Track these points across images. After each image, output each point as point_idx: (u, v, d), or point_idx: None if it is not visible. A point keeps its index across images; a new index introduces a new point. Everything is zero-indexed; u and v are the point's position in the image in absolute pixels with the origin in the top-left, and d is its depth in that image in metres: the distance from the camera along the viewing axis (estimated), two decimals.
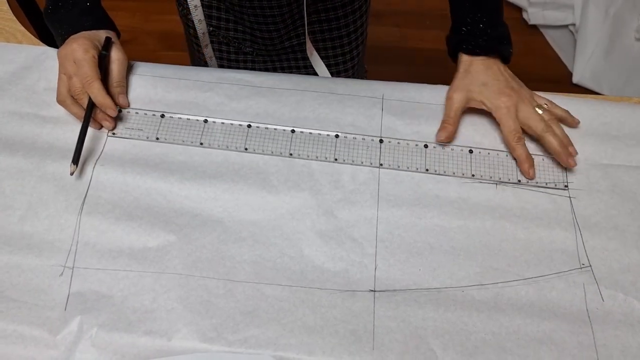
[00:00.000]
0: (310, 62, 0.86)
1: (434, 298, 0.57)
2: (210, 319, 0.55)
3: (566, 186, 0.65)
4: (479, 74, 0.68)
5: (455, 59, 0.72)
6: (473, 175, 0.65)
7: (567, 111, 0.69)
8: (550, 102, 0.69)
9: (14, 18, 0.79)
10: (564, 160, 0.64)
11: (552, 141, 0.65)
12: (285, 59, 0.88)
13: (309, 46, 0.82)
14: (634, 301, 0.58)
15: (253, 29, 0.82)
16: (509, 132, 0.66)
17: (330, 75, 0.86)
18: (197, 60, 0.91)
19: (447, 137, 0.67)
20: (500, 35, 0.69)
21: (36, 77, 0.71)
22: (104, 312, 0.55)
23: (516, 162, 0.66)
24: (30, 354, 0.53)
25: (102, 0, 0.72)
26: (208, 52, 0.87)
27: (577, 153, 0.66)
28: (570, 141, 0.66)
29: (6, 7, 0.80)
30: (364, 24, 0.89)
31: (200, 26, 0.82)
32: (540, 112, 0.67)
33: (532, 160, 0.65)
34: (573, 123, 0.69)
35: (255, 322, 0.55)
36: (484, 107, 0.68)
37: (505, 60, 0.70)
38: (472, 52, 0.69)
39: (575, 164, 0.65)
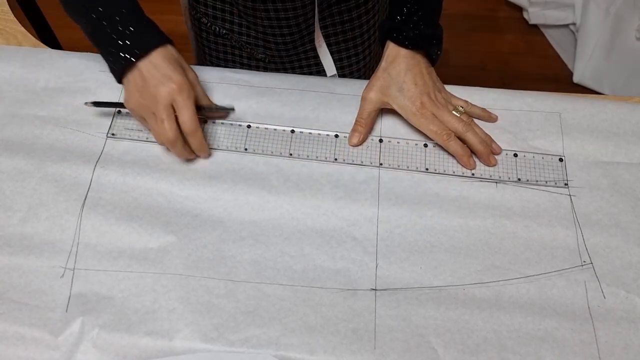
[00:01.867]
0: (322, 68, 0.86)
1: (435, 296, 0.57)
2: (212, 319, 0.55)
3: (566, 184, 0.65)
4: (399, 75, 0.67)
5: (383, 46, 0.71)
6: (473, 174, 0.65)
7: (484, 109, 0.69)
8: (467, 102, 0.69)
9: (14, 19, 0.79)
10: (485, 159, 0.66)
11: (473, 140, 0.65)
12: (297, 66, 0.88)
13: (318, 35, 0.81)
14: (636, 298, 0.57)
15: (266, 33, 0.81)
16: (435, 135, 0.66)
17: (335, 69, 0.85)
18: (203, 58, 0.91)
19: (359, 141, 0.67)
20: (431, 35, 0.68)
21: (36, 78, 0.71)
22: (105, 313, 0.55)
23: (455, 158, 0.66)
24: (32, 355, 0.53)
25: None
26: (188, 26, 0.86)
27: (500, 151, 0.67)
28: (491, 139, 0.67)
29: (6, 7, 0.80)
30: (376, 23, 0.88)
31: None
32: (457, 115, 0.67)
33: (469, 151, 0.66)
34: (490, 119, 0.69)
35: (257, 322, 0.55)
36: (399, 112, 0.67)
37: (432, 61, 0.70)
38: (400, 43, 0.68)
39: (496, 163, 0.66)
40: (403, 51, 0.67)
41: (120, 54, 0.62)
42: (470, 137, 0.65)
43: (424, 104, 0.66)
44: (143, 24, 0.63)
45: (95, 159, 0.65)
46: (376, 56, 0.93)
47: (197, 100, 0.64)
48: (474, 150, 0.66)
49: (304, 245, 0.60)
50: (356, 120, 0.68)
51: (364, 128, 0.67)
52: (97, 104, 0.67)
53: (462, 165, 0.66)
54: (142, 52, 0.61)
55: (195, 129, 0.62)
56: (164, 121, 0.61)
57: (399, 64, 0.67)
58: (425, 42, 0.68)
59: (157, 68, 0.61)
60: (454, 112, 0.67)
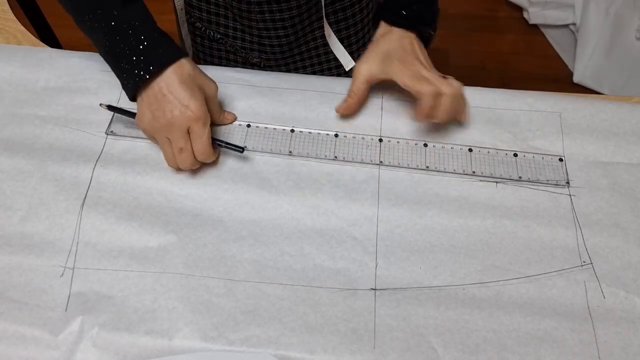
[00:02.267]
0: (317, 69, 0.86)
1: (435, 296, 0.57)
2: (211, 318, 0.55)
3: (567, 184, 0.65)
4: (389, 43, 0.67)
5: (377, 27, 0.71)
6: (474, 172, 0.65)
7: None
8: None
9: (14, 18, 0.79)
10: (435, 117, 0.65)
11: (446, 105, 0.63)
12: (293, 68, 0.88)
13: (327, 28, 0.80)
14: (635, 298, 0.57)
15: (261, 37, 0.81)
16: (424, 110, 0.64)
17: (350, 58, 0.84)
18: (197, 62, 0.90)
19: (345, 109, 0.67)
20: (425, 16, 0.68)
21: (36, 78, 0.71)
22: (105, 312, 0.55)
23: (419, 106, 0.64)
24: (32, 354, 0.53)
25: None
26: (184, 30, 0.84)
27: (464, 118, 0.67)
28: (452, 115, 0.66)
29: (6, 7, 0.80)
30: (374, 5, 0.88)
31: (179, 2, 0.80)
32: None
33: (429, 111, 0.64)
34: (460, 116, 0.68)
35: (256, 321, 0.55)
36: (390, 78, 0.66)
37: (424, 40, 0.69)
38: (392, 22, 0.68)
39: (437, 120, 0.65)
40: (395, 29, 0.68)
41: (135, 70, 0.60)
42: (448, 101, 0.63)
43: (412, 62, 0.65)
44: (155, 37, 0.61)
45: (95, 158, 0.65)
46: None
47: (211, 118, 0.63)
48: (438, 110, 0.64)
49: (303, 244, 0.60)
50: (348, 93, 0.68)
51: (353, 100, 0.67)
52: (111, 108, 0.66)
53: (417, 112, 0.64)
54: (156, 68, 0.59)
55: (209, 156, 0.62)
56: (182, 150, 0.60)
57: (390, 38, 0.68)
58: (418, 22, 0.68)
59: (172, 91, 0.59)
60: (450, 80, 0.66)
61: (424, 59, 0.68)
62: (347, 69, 0.85)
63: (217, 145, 0.64)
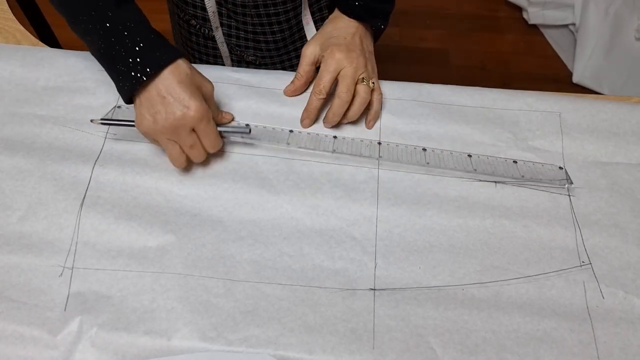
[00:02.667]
0: None
1: (434, 296, 0.57)
2: (210, 318, 0.55)
3: (566, 184, 0.65)
4: (334, 28, 0.69)
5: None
6: (475, 170, 0.65)
7: (379, 111, 0.69)
8: (379, 96, 0.69)
9: (13, 18, 0.79)
10: (325, 121, 0.68)
11: (335, 108, 0.66)
12: (288, 65, 0.88)
13: (306, 14, 0.81)
14: (634, 298, 0.57)
15: (256, 33, 0.81)
16: (316, 81, 0.67)
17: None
18: (192, 56, 0.90)
19: (292, 91, 0.69)
20: (376, 8, 0.69)
21: (35, 77, 0.71)
22: (104, 312, 0.55)
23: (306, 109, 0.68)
24: (30, 354, 0.53)
25: None
26: (219, 35, 0.83)
27: (370, 127, 0.68)
28: (371, 117, 0.68)
29: (5, 6, 0.80)
30: None
31: (210, 3, 0.78)
32: (364, 83, 0.66)
33: (314, 115, 0.67)
34: (367, 121, 0.69)
35: (255, 322, 0.55)
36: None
37: (373, 33, 0.71)
38: (344, 11, 0.70)
39: (332, 125, 0.68)
40: (344, 17, 0.69)
41: (132, 72, 0.59)
42: (336, 104, 0.66)
43: (343, 52, 0.66)
44: (151, 38, 0.60)
45: (94, 158, 0.65)
46: None
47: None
48: (327, 113, 0.67)
49: (303, 244, 0.60)
50: (295, 75, 0.70)
51: (300, 82, 0.69)
52: (105, 122, 0.64)
53: (303, 116, 0.68)
54: (153, 70, 0.58)
55: (218, 147, 0.63)
56: (192, 146, 0.61)
57: (336, 24, 0.69)
58: (367, 13, 0.69)
59: (171, 92, 0.58)
60: (362, 77, 0.66)
61: (362, 50, 0.68)
62: None
63: (224, 134, 0.65)
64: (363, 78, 0.66)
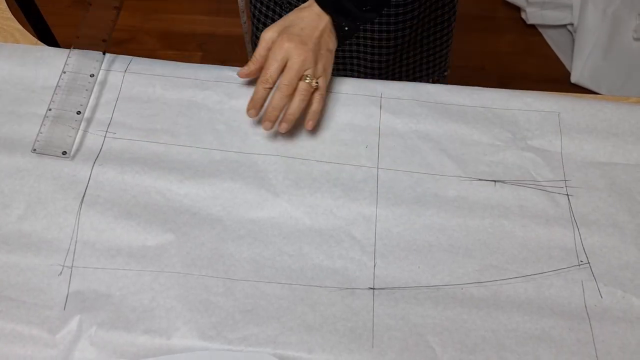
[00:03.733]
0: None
1: (433, 296, 0.57)
2: (210, 317, 0.55)
3: (564, 184, 0.65)
4: (298, 17, 0.66)
5: None
6: (473, 172, 0.65)
7: (316, 113, 0.66)
8: (320, 96, 0.66)
9: (12, 17, 0.79)
10: (264, 122, 0.65)
11: (274, 102, 0.64)
12: None
13: None
14: (633, 298, 0.58)
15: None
16: (263, 71, 0.64)
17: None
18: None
19: (246, 74, 0.67)
20: (350, 9, 0.66)
21: (34, 76, 0.71)
22: (103, 311, 0.55)
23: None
24: (30, 353, 0.53)
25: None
26: None
27: (286, 126, 0.65)
28: (291, 119, 0.65)
29: (4, 5, 0.80)
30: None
31: None
32: (307, 80, 0.64)
33: (260, 105, 0.65)
34: (305, 120, 0.66)
35: (255, 320, 0.55)
36: None
37: (337, 32, 0.67)
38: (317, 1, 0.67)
39: (270, 128, 0.65)
40: (315, 6, 0.66)
41: None
42: (276, 97, 0.64)
43: (293, 43, 0.64)
44: None
45: (93, 157, 0.65)
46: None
47: None
48: (267, 107, 0.65)
49: (302, 244, 0.60)
50: (250, 59, 0.67)
51: (254, 65, 0.66)
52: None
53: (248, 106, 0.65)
54: None
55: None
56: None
57: (303, 11, 0.66)
58: (338, 9, 0.66)
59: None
60: (306, 75, 0.65)
61: (317, 45, 0.65)
62: None
63: None
64: (307, 75, 0.64)
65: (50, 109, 0.65)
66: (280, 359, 0.53)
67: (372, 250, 0.60)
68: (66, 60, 0.70)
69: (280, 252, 0.60)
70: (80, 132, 0.67)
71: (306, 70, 0.64)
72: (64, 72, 0.67)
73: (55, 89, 0.66)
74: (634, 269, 0.60)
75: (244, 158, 0.66)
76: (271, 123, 0.65)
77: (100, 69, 0.71)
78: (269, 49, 0.65)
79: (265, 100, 0.65)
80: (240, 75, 0.68)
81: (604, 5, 1.85)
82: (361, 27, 0.69)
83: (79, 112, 0.66)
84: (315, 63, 0.65)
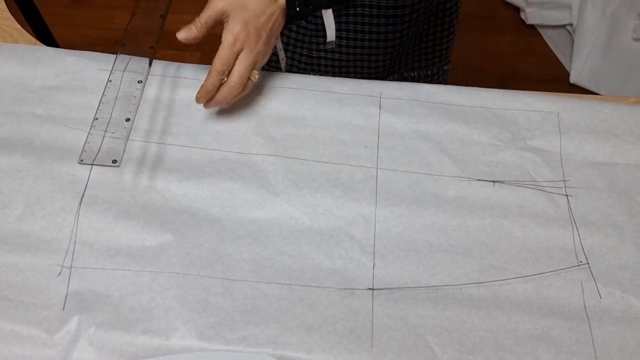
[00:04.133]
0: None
1: (432, 296, 0.57)
2: (209, 317, 0.55)
3: (564, 184, 0.65)
4: (252, 1, 0.64)
5: None
6: (473, 172, 0.65)
7: (220, 101, 0.65)
8: (257, 79, 0.66)
9: (11, 16, 0.79)
10: (197, 97, 0.64)
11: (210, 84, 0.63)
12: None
13: None
14: (632, 298, 0.58)
15: None
16: (217, 61, 0.63)
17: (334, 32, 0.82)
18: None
19: (185, 38, 0.64)
20: None
21: (33, 76, 0.71)
22: (102, 312, 0.55)
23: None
24: (28, 353, 0.53)
25: None
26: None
27: (206, 102, 0.65)
28: (221, 98, 0.64)
29: (3, 5, 0.80)
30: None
31: None
32: (256, 75, 0.65)
33: (211, 94, 0.64)
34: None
35: (254, 321, 0.55)
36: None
37: (288, 13, 0.67)
38: None
39: (202, 104, 0.65)
40: None
41: None
42: (224, 89, 0.64)
43: (246, 31, 0.63)
44: None
45: (92, 157, 0.65)
46: None
47: None
48: (204, 87, 0.64)
49: (302, 244, 0.60)
50: (194, 22, 0.65)
51: (197, 30, 0.64)
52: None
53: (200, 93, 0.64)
54: None
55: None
56: None
57: None
58: None
59: None
60: (255, 72, 0.65)
61: (269, 35, 0.65)
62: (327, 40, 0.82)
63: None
64: (255, 71, 0.65)
65: (97, 118, 0.64)
66: (280, 359, 0.53)
67: (372, 250, 0.60)
68: (112, 68, 0.67)
69: (279, 252, 0.60)
70: (79, 132, 0.66)
71: (257, 65, 0.65)
72: (110, 81, 0.66)
73: (102, 97, 0.65)
74: (633, 269, 0.60)
75: (243, 158, 0.66)
76: (206, 100, 0.65)
77: (148, 75, 0.68)
78: (216, 22, 0.64)
79: (217, 88, 0.64)
80: (179, 36, 0.65)
81: (603, 5, 1.85)
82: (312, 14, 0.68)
83: (127, 119, 0.65)
84: (263, 55, 0.65)
